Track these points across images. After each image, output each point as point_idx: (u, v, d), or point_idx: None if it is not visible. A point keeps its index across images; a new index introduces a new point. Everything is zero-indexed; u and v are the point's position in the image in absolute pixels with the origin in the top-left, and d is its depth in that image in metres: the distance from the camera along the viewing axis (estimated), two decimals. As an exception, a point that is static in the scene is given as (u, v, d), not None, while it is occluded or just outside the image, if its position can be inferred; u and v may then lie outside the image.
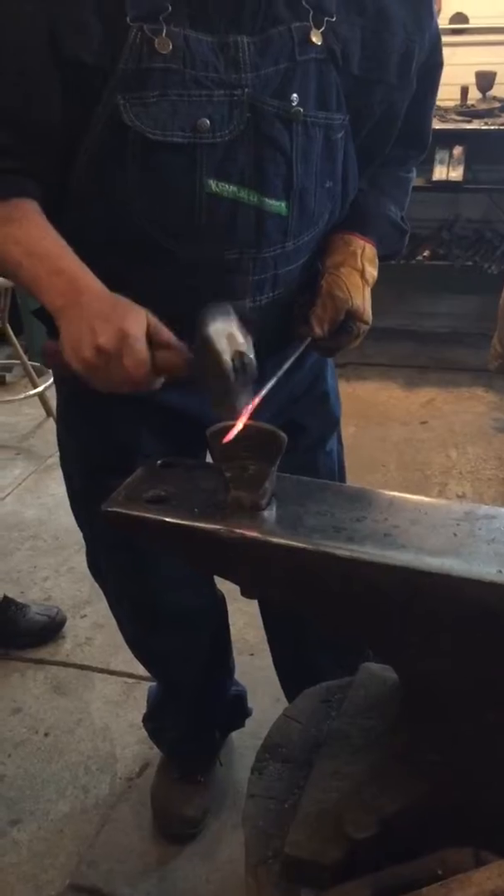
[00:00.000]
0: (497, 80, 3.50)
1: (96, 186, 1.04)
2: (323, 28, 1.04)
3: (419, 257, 3.54)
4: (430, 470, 2.97)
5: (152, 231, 1.05)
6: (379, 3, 1.08)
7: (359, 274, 1.19)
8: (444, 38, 1.21)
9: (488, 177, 3.54)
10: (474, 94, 3.52)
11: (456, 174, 3.44)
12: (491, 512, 0.89)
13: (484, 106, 3.46)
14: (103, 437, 1.26)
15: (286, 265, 1.14)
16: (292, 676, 1.63)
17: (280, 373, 1.08)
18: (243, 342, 0.96)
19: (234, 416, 0.93)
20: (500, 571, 0.79)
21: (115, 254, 1.05)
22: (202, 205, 1.04)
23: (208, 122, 1.01)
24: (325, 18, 1.04)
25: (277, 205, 1.08)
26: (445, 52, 1.22)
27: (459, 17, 3.51)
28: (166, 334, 0.95)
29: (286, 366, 1.10)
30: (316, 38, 1.04)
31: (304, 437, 1.36)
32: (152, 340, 0.94)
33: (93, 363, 0.93)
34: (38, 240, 1.02)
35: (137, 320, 0.93)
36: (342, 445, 1.50)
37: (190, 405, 1.21)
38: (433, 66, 1.21)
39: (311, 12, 1.03)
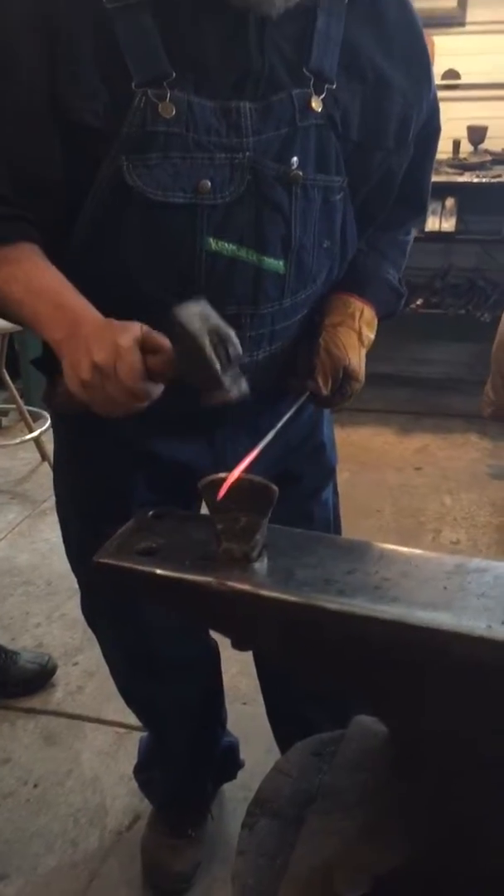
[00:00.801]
0: (488, 134, 3.58)
1: (97, 241, 1.06)
2: (323, 95, 1.07)
3: (413, 305, 3.59)
4: (425, 516, 2.97)
5: (151, 287, 1.07)
6: (379, 72, 1.11)
7: (356, 335, 1.21)
8: (438, 94, 1.24)
9: (480, 227, 3.60)
10: (466, 148, 3.60)
11: (448, 225, 3.50)
12: (481, 565, 0.89)
13: (475, 159, 3.53)
14: (98, 483, 1.26)
15: (283, 321, 1.16)
16: (285, 726, 1.61)
17: (278, 426, 1.08)
18: (221, 323, 0.94)
19: (226, 402, 0.95)
20: (490, 626, 0.79)
21: (112, 304, 1.06)
22: (202, 262, 1.06)
23: (209, 183, 1.03)
24: (326, 86, 1.07)
25: (276, 263, 1.09)
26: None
27: (452, 74, 3.60)
28: (157, 339, 0.96)
29: (285, 419, 1.11)
30: (316, 105, 1.06)
31: (300, 487, 1.37)
32: (145, 347, 0.95)
33: (91, 382, 0.94)
34: (38, 277, 1.04)
35: (129, 332, 0.95)
36: (337, 495, 1.51)
37: (184, 454, 1.22)
38: (431, 132, 1.24)
39: (313, 79, 1.06)
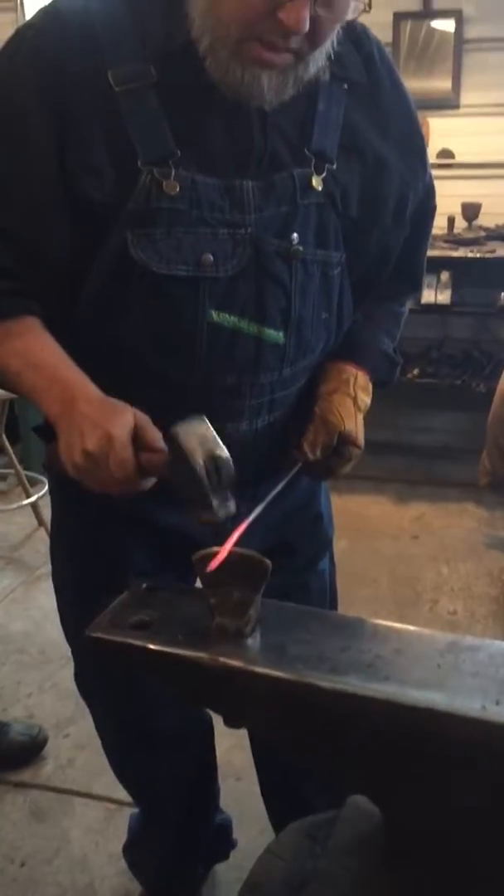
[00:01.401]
0: (482, 210, 3.68)
1: (101, 313, 1.08)
2: (324, 174, 1.10)
3: (410, 375, 3.63)
4: (422, 586, 2.96)
5: (153, 359, 1.09)
6: (376, 153, 1.15)
7: (351, 400, 1.22)
8: (433, 172, 1.29)
9: (475, 300, 3.67)
10: (461, 224, 3.69)
11: (444, 297, 3.57)
12: (475, 643, 0.89)
13: (470, 235, 3.62)
14: (95, 553, 1.26)
15: (282, 390, 1.17)
16: (280, 804, 1.58)
17: (270, 496, 1.09)
18: (218, 444, 0.96)
19: (212, 523, 0.96)
20: (485, 707, 0.78)
21: (115, 377, 1.08)
22: (203, 334, 1.08)
23: (212, 257, 1.05)
24: (327, 165, 1.10)
25: (275, 335, 1.12)
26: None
27: (446, 153, 3.72)
28: (152, 435, 0.98)
29: (276, 490, 1.12)
30: (317, 184, 1.10)
31: (295, 558, 1.36)
32: (138, 441, 0.97)
33: (83, 467, 0.97)
34: (37, 351, 1.06)
35: (122, 423, 0.97)
36: (334, 565, 1.50)
37: (183, 524, 1.22)
38: (426, 211, 1.28)
39: (314, 160, 1.10)
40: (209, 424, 0.98)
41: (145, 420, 0.99)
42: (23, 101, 1.02)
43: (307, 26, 0.94)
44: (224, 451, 0.96)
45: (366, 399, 1.25)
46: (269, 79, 0.99)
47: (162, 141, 1.02)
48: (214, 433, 0.97)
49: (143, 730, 1.44)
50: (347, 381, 1.23)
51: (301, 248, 1.10)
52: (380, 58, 1.16)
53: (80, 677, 1.48)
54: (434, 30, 3.71)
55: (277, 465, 1.21)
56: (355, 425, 1.21)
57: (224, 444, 0.99)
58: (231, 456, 1.00)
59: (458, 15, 3.63)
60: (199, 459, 0.95)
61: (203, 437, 0.96)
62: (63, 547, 1.35)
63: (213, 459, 0.95)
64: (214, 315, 1.07)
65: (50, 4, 1.07)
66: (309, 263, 1.11)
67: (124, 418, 0.97)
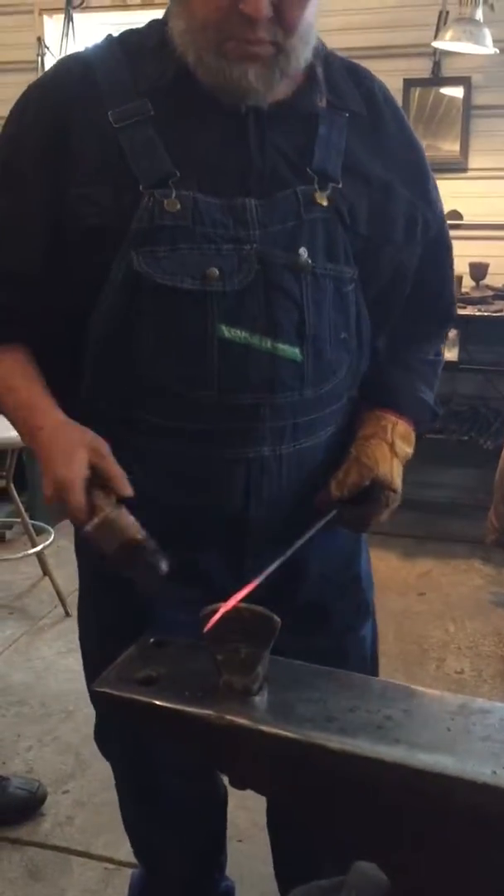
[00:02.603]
0: (490, 270, 3.73)
1: (113, 335, 1.10)
2: (328, 192, 1.11)
3: (417, 431, 3.64)
4: (428, 644, 2.92)
5: (166, 377, 1.09)
6: (381, 178, 1.16)
7: (388, 446, 1.21)
8: None
9: (482, 357, 3.69)
10: (468, 283, 3.74)
11: (451, 355, 3.59)
12: (486, 706, 0.88)
13: (477, 294, 3.67)
14: (124, 611, 1.21)
15: (305, 415, 1.15)
16: (288, 865, 1.53)
17: (295, 546, 1.08)
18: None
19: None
20: (496, 773, 0.77)
21: (130, 400, 1.12)
22: (214, 350, 1.08)
23: (217, 271, 1.06)
24: (331, 184, 1.12)
25: (291, 350, 1.10)
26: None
27: (454, 215, 3.78)
28: (109, 474, 1.03)
29: (302, 539, 1.10)
30: (321, 200, 1.11)
31: (332, 622, 1.31)
32: (96, 478, 1.03)
33: (52, 508, 1.04)
34: (14, 375, 1.14)
35: (73, 470, 1.02)
36: (377, 634, 1.43)
37: (213, 569, 1.20)
38: (441, 245, 1.28)
39: (317, 178, 1.11)
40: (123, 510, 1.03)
41: (105, 458, 1.03)
42: (28, 156, 1.11)
43: (268, 11, 1.00)
44: (129, 534, 1.01)
45: (406, 448, 1.24)
46: (255, 73, 1.04)
47: (160, 165, 1.06)
48: (124, 518, 1.02)
49: (159, 793, 1.41)
50: (385, 427, 1.22)
51: (310, 262, 1.10)
52: (382, 95, 1.20)
53: (99, 735, 1.45)
54: (443, 96, 3.81)
55: (312, 514, 1.18)
56: (391, 469, 1.19)
57: (246, 470, 1.11)
58: (258, 486, 1.11)
59: (466, 82, 3.74)
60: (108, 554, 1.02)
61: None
62: (92, 606, 1.33)
63: (122, 548, 1.01)
64: (225, 331, 1.07)
65: (56, 62, 1.18)
66: (320, 277, 1.11)
67: (77, 462, 1.02)
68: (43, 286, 1.11)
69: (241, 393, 1.10)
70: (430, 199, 1.24)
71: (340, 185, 1.12)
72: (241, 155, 1.09)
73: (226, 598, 0.89)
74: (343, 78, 1.17)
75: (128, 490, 1.04)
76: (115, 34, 1.16)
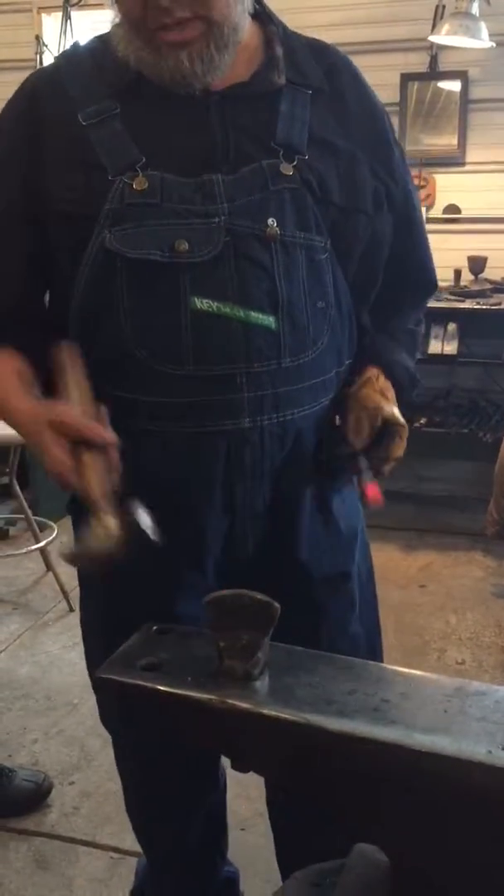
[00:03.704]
0: (488, 264, 3.74)
1: (90, 315, 1.15)
2: (294, 163, 1.14)
3: (417, 424, 3.66)
4: (429, 635, 2.94)
5: (141, 351, 1.13)
6: (349, 151, 1.18)
7: (379, 393, 1.22)
8: (440, 227, 1.35)
9: (481, 350, 3.71)
10: (467, 277, 3.76)
11: (450, 348, 3.61)
12: (482, 689, 0.89)
13: (476, 287, 3.68)
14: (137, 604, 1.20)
15: (286, 384, 1.16)
16: (290, 849, 1.55)
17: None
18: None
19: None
20: (490, 752, 0.79)
21: (111, 376, 1.15)
22: (188, 322, 1.11)
23: (186, 244, 1.09)
24: (297, 156, 1.14)
25: (265, 318, 1.12)
26: (440, 238, 1.35)
27: (452, 209, 3.80)
28: (87, 434, 1.05)
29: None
30: (287, 171, 1.13)
31: (329, 620, 1.31)
32: (76, 441, 1.05)
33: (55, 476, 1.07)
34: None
35: (48, 451, 1.05)
36: (374, 632, 1.43)
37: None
38: (412, 218, 1.30)
39: (282, 151, 1.14)
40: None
41: (70, 424, 1.05)
42: (3, 173, 1.20)
43: None
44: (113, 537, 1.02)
45: (393, 398, 1.24)
46: (188, 57, 1.08)
47: (127, 153, 1.11)
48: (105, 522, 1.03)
49: (162, 776, 1.43)
50: (370, 378, 1.24)
51: (279, 231, 1.12)
52: (345, 70, 1.23)
53: (105, 716, 1.47)
54: (440, 90, 3.82)
55: (301, 492, 1.21)
56: (392, 407, 1.21)
57: (226, 443, 1.13)
58: (242, 458, 1.15)
59: (463, 76, 3.75)
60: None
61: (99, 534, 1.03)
62: (100, 600, 1.33)
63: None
64: (197, 302, 1.10)
65: (26, 79, 1.26)
66: (290, 246, 1.13)
67: (45, 441, 1.05)
68: (28, 291, 1.21)
69: (217, 364, 1.12)
70: (392, 169, 1.25)
71: (307, 157, 1.14)
72: (204, 136, 1.13)
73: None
74: (305, 56, 1.20)
75: (106, 435, 1.06)
76: (82, 42, 1.23)
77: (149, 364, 1.13)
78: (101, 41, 1.20)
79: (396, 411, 1.22)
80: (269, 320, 1.12)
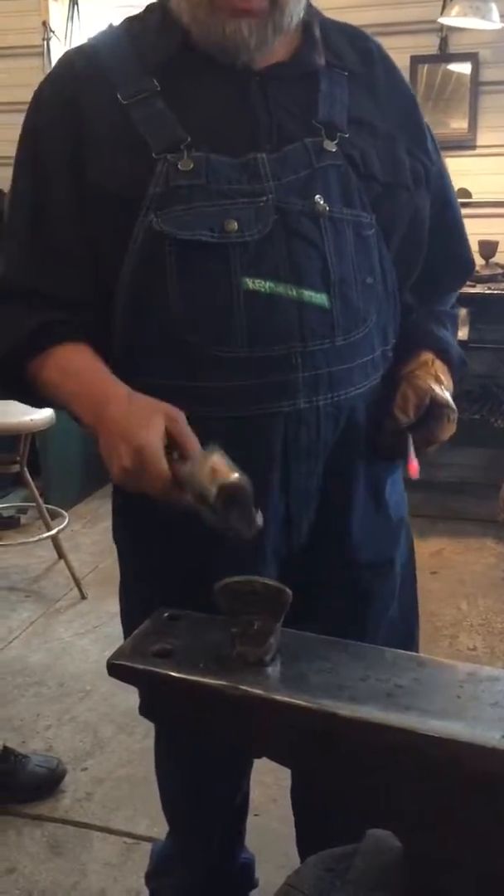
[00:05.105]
0: (499, 248, 3.71)
1: (139, 301, 1.13)
2: (337, 140, 1.14)
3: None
4: (441, 621, 2.94)
5: (194, 336, 1.10)
6: (386, 130, 1.19)
7: (433, 377, 1.22)
8: None
9: (493, 336, 3.68)
10: (478, 261, 3.72)
11: (462, 334, 3.58)
12: (494, 674, 0.89)
13: (487, 272, 3.65)
14: (177, 561, 1.20)
15: (339, 363, 1.14)
16: (310, 835, 1.55)
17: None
18: (229, 471, 0.99)
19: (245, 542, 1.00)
20: (503, 737, 0.79)
21: (160, 367, 1.13)
22: (241, 304, 1.09)
23: (236, 223, 1.09)
24: (339, 133, 1.14)
25: (318, 296, 1.11)
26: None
27: (463, 192, 3.76)
28: (185, 444, 1.01)
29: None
30: (330, 147, 1.13)
31: (374, 606, 1.30)
32: (174, 450, 1.01)
33: (123, 480, 1.02)
34: (69, 360, 1.13)
35: (152, 434, 1.00)
36: (408, 621, 1.41)
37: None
38: (447, 199, 1.31)
39: (324, 129, 1.14)
40: (221, 452, 1.00)
41: (180, 425, 1.02)
42: (48, 149, 1.16)
43: None
44: (233, 477, 0.98)
45: (448, 381, 1.24)
46: (248, 27, 1.09)
47: (171, 132, 1.10)
48: (226, 461, 0.99)
49: (197, 762, 1.43)
50: (426, 362, 1.23)
51: (327, 207, 1.11)
52: (377, 54, 1.24)
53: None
54: (451, 72, 3.79)
55: (353, 477, 1.21)
56: (443, 391, 1.20)
57: (283, 424, 1.10)
58: (298, 440, 1.11)
59: (474, 58, 3.71)
60: (210, 499, 0.98)
61: (213, 469, 0.99)
62: (134, 566, 1.32)
63: (223, 491, 0.98)
64: (249, 283, 1.08)
65: (62, 55, 1.22)
66: (338, 222, 1.13)
67: (155, 427, 1.01)
68: (85, 276, 1.15)
69: (272, 345, 1.10)
70: (427, 150, 1.25)
71: (348, 135, 1.15)
72: (248, 115, 1.12)
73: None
74: (339, 39, 1.21)
75: (198, 449, 1.02)
76: (116, 23, 1.22)
77: (201, 348, 1.10)
78: (139, 19, 1.20)
79: (448, 395, 1.22)
80: (321, 298, 1.11)
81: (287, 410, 1.12)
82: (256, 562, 1.18)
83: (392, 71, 1.25)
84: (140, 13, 1.21)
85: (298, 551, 1.23)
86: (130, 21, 1.21)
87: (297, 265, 1.10)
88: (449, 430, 1.23)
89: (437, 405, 1.20)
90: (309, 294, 1.10)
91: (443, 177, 1.30)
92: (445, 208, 1.30)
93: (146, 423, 1.01)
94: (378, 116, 1.19)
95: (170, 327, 1.11)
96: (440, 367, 1.24)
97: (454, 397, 1.24)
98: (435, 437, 1.23)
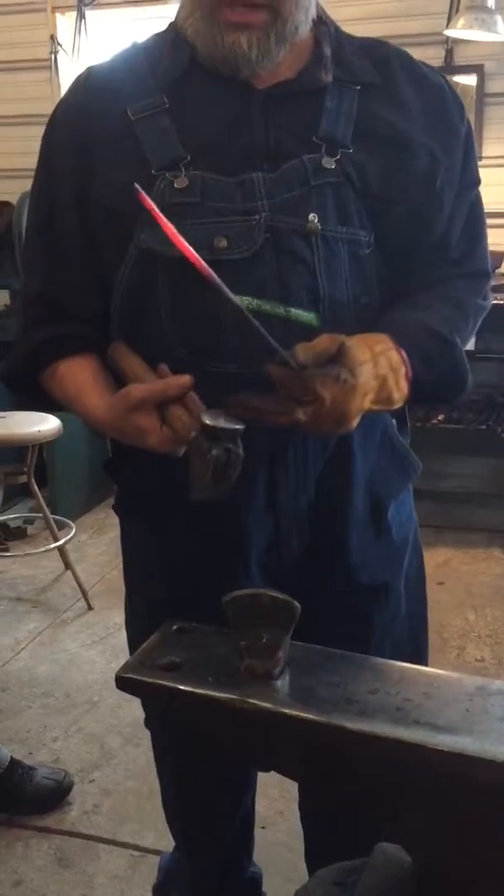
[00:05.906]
0: (505, 258, 3.72)
1: (131, 315, 1.15)
2: (337, 157, 1.13)
3: (434, 420, 3.65)
4: (448, 632, 2.93)
5: (183, 352, 1.12)
6: (399, 132, 1.15)
7: (369, 349, 1.05)
8: None
9: (498, 346, 3.68)
10: (484, 272, 3.73)
11: (468, 345, 3.59)
12: (503, 687, 0.89)
13: (493, 283, 3.64)
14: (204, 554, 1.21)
15: None
16: (320, 849, 1.54)
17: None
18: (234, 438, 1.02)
19: (207, 501, 1.04)
20: (513, 751, 0.78)
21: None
22: (229, 321, 1.09)
23: (226, 241, 1.09)
24: (340, 150, 1.13)
25: (306, 315, 1.10)
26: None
27: (468, 203, 3.78)
28: (155, 392, 1.05)
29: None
30: (329, 165, 1.12)
31: (373, 627, 1.27)
32: (161, 403, 1.05)
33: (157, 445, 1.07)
34: (74, 375, 1.18)
35: (134, 424, 1.06)
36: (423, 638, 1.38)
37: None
38: (468, 193, 1.24)
39: (324, 146, 1.13)
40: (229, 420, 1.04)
41: (142, 398, 1.05)
42: (58, 163, 1.21)
43: None
44: (215, 414, 1.03)
45: (386, 372, 1.06)
46: (247, 39, 1.09)
47: (171, 150, 1.12)
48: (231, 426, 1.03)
49: (195, 785, 1.44)
50: (368, 339, 1.07)
51: (319, 226, 1.11)
52: (397, 58, 1.22)
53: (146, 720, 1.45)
54: (456, 84, 3.80)
55: (357, 490, 1.20)
56: (363, 361, 1.02)
57: (270, 442, 1.12)
58: (285, 458, 1.14)
59: (479, 70, 3.72)
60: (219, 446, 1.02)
61: (224, 430, 1.02)
62: (143, 572, 1.33)
63: (227, 451, 1.02)
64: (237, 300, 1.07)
65: (81, 72, 1.24)
66: (331, 241, 1.11)
67: (130, 428, 1.06)
68: (95, 291, 1.20)
69: (260, 362, 1.05)
70: (453, 148, 1.19)
71: (351, 150, 1.13)
72: (248, 135, 1.13)
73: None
74: (356, 55, 1.19)
75: (180, 380, 1.05)
76: (140, 40, 1.24)
77: (192, 363, 1.11)
78: (158, 36, 1.22)
79: (364, 365, 1.02)
80: (310, 317, 1.10)
81: (273, 428, 1.09)
82: (240, 574, 1.19)
83: (414, 70, 1.22)
84: (162, 31, 1.22)
85: (292, 569, 1.22)
86: (152, 38, 1.23)
87: (286, 283, 1.10)
88: (329, 392, 1.00)
89: (337, 359, 1.01)
90: (297, 312, 1.10)
91: (471, 186, 1.25)
92: (470, 215, 1.26)
93: (130, 433, 1.08)
94: (395, 123, 1.16)
95: (162, 342, 1.13)
96: (392, 359, 1.07)
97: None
98: (307, 387, 1.00)
